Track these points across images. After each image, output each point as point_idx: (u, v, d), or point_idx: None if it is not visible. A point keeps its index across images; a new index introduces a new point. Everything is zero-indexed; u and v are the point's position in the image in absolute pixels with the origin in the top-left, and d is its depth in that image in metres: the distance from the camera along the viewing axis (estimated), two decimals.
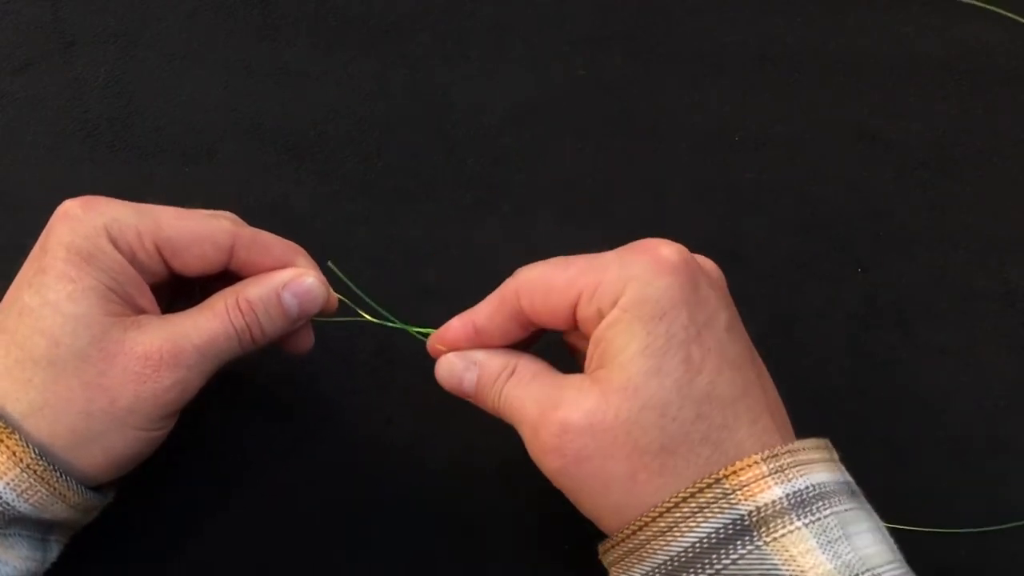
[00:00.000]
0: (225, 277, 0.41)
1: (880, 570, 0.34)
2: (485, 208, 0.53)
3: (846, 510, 0.35)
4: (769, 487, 0.34)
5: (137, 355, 0.37)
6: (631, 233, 0.40)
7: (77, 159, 0.53)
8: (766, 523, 0.34)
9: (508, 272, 0.40)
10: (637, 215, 0.53)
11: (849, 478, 0.37)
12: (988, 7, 0.57)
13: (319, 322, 0.43)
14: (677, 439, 0.35)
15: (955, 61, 0.57)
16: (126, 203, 0.40)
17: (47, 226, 0.39)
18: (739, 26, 0.57)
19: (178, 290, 0.43)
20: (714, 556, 0.34)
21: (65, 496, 0.37)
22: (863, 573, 0.33)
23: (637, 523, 0.36)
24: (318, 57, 0.56)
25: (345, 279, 0.44)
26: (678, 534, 0.35)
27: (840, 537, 0.34)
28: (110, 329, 0.37)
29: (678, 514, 0.35)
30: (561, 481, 0.37)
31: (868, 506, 0.37)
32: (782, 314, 0.51)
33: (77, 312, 0.37)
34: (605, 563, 0.38)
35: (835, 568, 0.33)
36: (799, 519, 0.34)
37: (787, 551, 0.34)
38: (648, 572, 0.36)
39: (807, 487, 0.35)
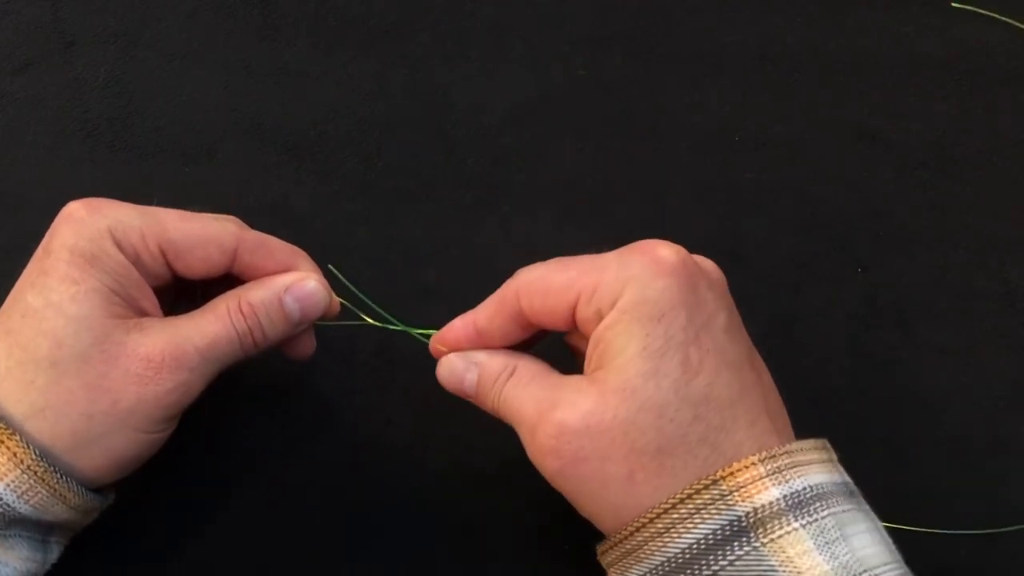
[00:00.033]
0: (227, 280, 0.41)
1: (878, 571, 0.34)
2: (485, 208, 0.53)
3: (844, 511, 0.35)
4: (766, 488, 0.34)
5: (139, 357, 0.38)
6: (631, 233, 0.40)
7: (77, 159, 0.53)
8: (763, 524, 0.34)
9: (508, 272, 0.40)
10: (637, 215, 0.53)
11: (847, 479, 0.37)
12: (985, 12, 0.57)
13: (321, 325, 0.43)
14: (674, 440, 0.35)
15: (955, 61, 0.57)
16: (130, 205, 0.40)
17: (51, 228, 0.39)
18: (739, 26, 0.57)
19: (180, 293, 0.43)
20: (711, 557, 0.34)
21: (66, 498, 0.38)
22: (861, 574, 0.33)
23: (635, 524, 0.36)
24: (318, 57, 0.56)
25: (346, 282, 0.44)
26: (676, 535, 0.35)
27: (838, 538, 0.34)
28: (112, 331, 0.37)
29: (675, 515, 0.35)
30: (559, 482, 0.37)
31: (867, 507, 0.37)
32: (782, 314, 0.51)
33: (80, 314, 0.37)
34: (603, 564, 0.38)
35: (832, 569, 0.33)
36: (796, 520, 0.34)
37: (784, 552, 0.34)
38: (646, 573, 0.36)
39: (804, 488, 0.35)
